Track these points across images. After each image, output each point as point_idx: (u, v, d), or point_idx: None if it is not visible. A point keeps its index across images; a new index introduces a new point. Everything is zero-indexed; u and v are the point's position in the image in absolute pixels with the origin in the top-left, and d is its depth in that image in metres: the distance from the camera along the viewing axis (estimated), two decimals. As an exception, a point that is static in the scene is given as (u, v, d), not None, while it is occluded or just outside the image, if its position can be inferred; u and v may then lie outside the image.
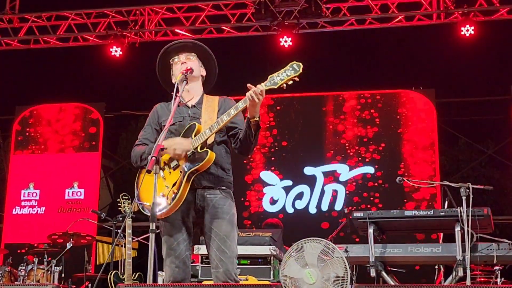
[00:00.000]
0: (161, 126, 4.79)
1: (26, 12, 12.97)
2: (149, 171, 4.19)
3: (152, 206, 4.15)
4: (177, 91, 4.69)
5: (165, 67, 5.00)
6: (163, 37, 12.77)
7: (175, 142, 4.59)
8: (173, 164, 4.62)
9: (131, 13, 12.73)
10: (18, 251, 11.95)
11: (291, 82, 4.50)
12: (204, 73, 4.96)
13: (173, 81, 4.86)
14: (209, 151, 4.57)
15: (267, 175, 12.60)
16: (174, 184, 4.55)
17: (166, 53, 4.98)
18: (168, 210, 4.53)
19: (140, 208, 4.67)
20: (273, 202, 12.49)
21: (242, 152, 4.79)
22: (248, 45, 12.53)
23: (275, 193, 12.52)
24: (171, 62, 4.94)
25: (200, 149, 4.58)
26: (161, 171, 4.56)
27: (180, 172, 4.56)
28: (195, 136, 4.61)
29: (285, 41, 11.92)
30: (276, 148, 12.60)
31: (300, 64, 4.49)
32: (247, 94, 4.46)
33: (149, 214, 4.47)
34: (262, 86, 4.49)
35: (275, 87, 4.50)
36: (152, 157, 4.22)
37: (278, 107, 12.84)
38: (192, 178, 4.57)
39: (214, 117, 4.72)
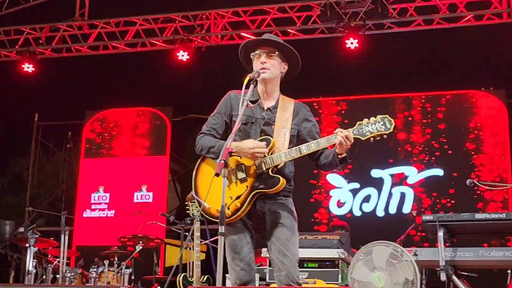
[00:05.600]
0: (232, 119, 4.72)
1: (95, 18, 13.24)
2: (217, 175, 4.19)
3: (222, 209, 4.15)
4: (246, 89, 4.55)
5: (247, 59, 4.86)
6: (229, 41, 12.85)
7: (250, 146, 4.52)
8: (240, 176, 4.59)
9: (197, 17, 12.85)
10: (89, 253, 12.14)
11: (378, 138, 4.50)
12: (285, 69, 4.83)
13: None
14: (281, 178, 4.53)
15: (333, 178, 12.52)
16: (237, 197, 4.54)
17: (247, 47, 4.83)
18: (228, 221, 4.51)
19: (197, 202, 4.69)
20: (340, 205, 12.41)
21: (320, 169, 4.81)
22: (314, 47, 12.47)
23: (342, 195, 12.44)
24: (252, 56, 4.78)
25: (272, 172, 4.56)
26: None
27: (247, 187, 4.55)
28: (269, 152, 4.56)
29: (351, 43, 11.85)
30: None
31: (392, 121, 4.48)
32: (337, 138, 4.46)
33: (206, 215, 4.60)
34: (350, 134, 4.48)
35: (362, 138, 4.51)
36: (220, 160, 4.20)
37: (345, 109, 12.75)
38: (256, 197, 4.56)
39: (288, 125, 4.69)
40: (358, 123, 4.54)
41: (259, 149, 4.52)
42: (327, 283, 7.16)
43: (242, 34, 12.69)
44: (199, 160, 4.79)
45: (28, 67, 13.34)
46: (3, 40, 13.67)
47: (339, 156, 4.57)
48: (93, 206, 13.54)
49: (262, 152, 4.52)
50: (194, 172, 4.76)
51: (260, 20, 12.57)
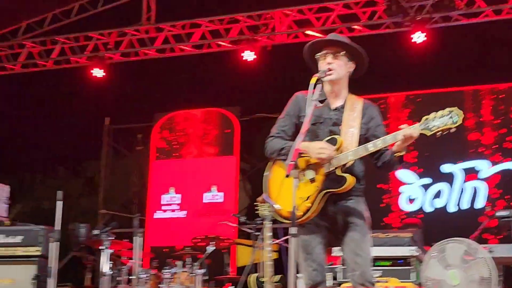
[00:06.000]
0: (300, 120, 4.67)
1: (161, 22, 13.40)
2: (288, 176, 4.19)
3: (293, 210, 4.15)
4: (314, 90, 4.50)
5: (312, 59, 4.81)
6: (295, 39, 12.83)
7: (318, 146, 4.50)
8: (309, 176, 4.55)
9: (262, 17, 12.88)
10: (161, 254, 12.26)
11: (446, 132, 4.34)
12: (352, 68, 4.78)
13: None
14: (348, 177, 4.49)
15: (403, 174, 12.35)
16: (308, 198, 4.51)
17: (312, 48, 4.79)
18: (299, 222, 4.46)
19: (271, 205, 4.68)
20: (410, 201, 12.25)
21: (378, 170, 4.72)
22: (380, 43, 12.35)
23: (413, 192, 12.27)
24: (317, 57, 4.74)
25: (340, 171, 4.50)
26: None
27: (317, 187, 4.50)
28: (337, 151, 4.51)
29: (418, 37, 11.69)
30: (414, 146, 12.32)
31: (461, 113, 4.28)
32: (401, 134, 4.36)
33: (278, 217, 4.60)
34: (417, 130, 4.37)
35: (428, 134, 4.36)
36: (290, 161, 4.20)
37: (413, 105, 12.56)
38: (327, 197, 4.52)
39: (356, 125, 4.62)
40: (424, 117, 4.39)
41: (325, 150, 4.47)
42: (401, 282, 7.10)
43: (307, 32, 12.67)
44: (271, 162, 4.78)
45: (97, 72, 13.58)
46: (73, 47, 13.96)
47: (395, 154, 4.50)
48: (163, 207, 13.70)
49: (326, 153, 4.46)
50: (265, 175, 4.76)
51: (325, 18, 12.51)
